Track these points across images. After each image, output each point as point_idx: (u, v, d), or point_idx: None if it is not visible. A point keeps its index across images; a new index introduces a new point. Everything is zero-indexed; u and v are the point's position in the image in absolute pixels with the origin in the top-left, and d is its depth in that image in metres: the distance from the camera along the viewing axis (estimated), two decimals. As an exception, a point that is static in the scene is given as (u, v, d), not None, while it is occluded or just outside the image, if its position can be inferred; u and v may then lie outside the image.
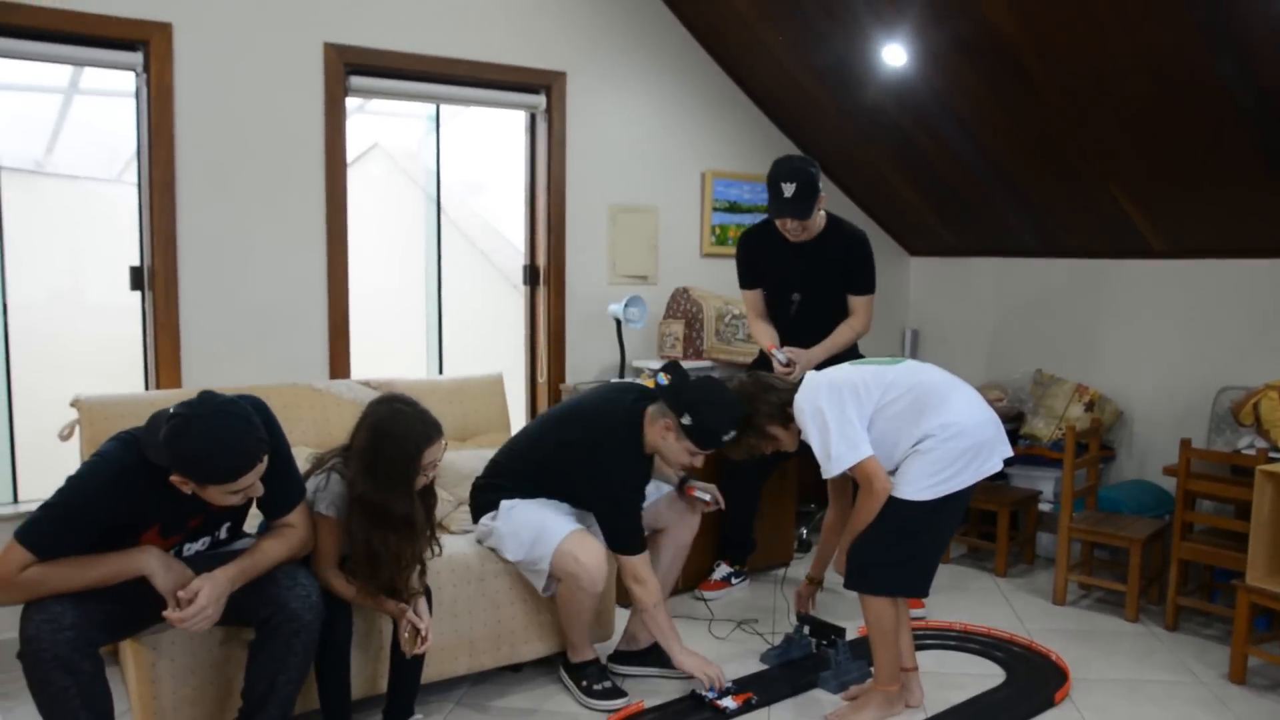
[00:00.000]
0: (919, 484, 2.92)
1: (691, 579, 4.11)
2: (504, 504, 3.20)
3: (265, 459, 2.37)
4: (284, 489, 2.62)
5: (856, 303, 4.00)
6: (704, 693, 3.16)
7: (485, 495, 3.27)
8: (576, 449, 3.16)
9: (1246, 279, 4.34)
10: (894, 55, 4.33)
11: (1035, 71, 3.98)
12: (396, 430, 2.65)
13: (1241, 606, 3.42)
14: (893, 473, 3.00)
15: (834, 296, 4.01)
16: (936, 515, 2.97)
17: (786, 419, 3.15)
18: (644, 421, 3.16)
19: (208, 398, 2.34)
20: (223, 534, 2.67)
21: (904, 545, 2.99)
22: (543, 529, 3.10)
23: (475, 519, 3.30)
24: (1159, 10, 3.40)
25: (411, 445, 2.65)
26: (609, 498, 3.13)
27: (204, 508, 2.46)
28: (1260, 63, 3.42)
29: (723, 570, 4.26)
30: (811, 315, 4.01)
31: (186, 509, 2.46)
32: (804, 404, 3.05)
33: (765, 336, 4.04)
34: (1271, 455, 3.70)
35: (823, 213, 3.88)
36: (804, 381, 3.14)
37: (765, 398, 3.18)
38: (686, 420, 3.05)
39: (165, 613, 2.36)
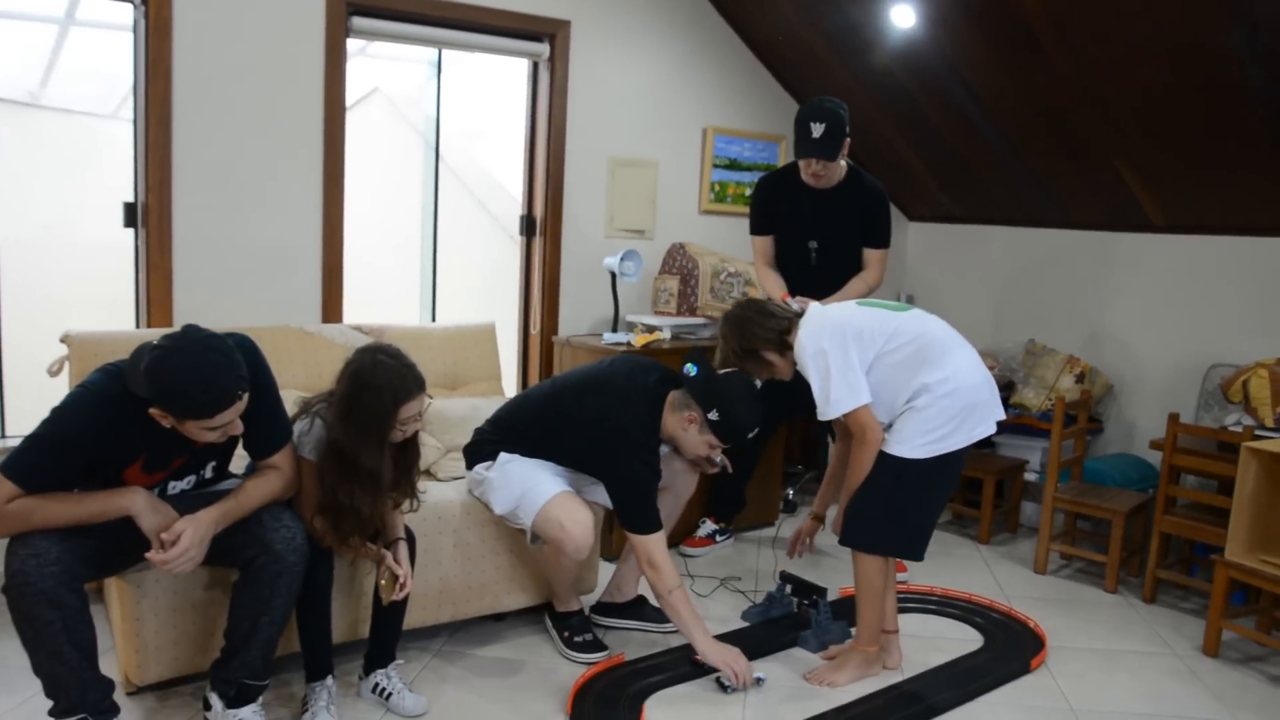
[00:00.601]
0: (914, 441, 2.93)
1: (677, 536, 4.13)
2: (502, 455, 3.17)
3: (244, 397, 2.35)
4: (270, 430, 2.61)
5: (871, 256, 3.98)
6: (728, 684, 3.01)
7: (486, 447, 3.22)
8: (594, 424, 3.05)
9: (1243, 256, 4.33)
10: (902, 16, 4.28)
11: (1046, 40, 3.93)
12: (376, 381, 2.58)
13: (1219, 580, 3.46)
14: (888, 428, 3.01)
15: (849, 248, 3.98)
16: (932, 476, 2.97)
17: (784, 346, 3.11)
18: (665, 407, 3.12)
19: (191, 331, 2.31)
20: (208, 473, 2.67)
21: (899, 504, 2.99)
22: (531, 487, 3.06)
23: (470, 466, 3.26)
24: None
25: (389, 398, 2.58)
26: (626, 477, 3.02)
27: (188, 446, 2.46)
28: (1276, 43, 3.38)
29: (708, 527, 4.29)
30: (825, 266, 3.99)
31: (171, 445, 2.45)
32: (806, 342, 3.02)
33: (774, 286, 4.02)
34: (1258, 433, 3.71)
35: (844, 162, 3.84)
36: (807, 318, 3.09)
37: (764, 323, 3.13)
38: (714, 416, 3.00)
39: (148, 554, 2.36)
